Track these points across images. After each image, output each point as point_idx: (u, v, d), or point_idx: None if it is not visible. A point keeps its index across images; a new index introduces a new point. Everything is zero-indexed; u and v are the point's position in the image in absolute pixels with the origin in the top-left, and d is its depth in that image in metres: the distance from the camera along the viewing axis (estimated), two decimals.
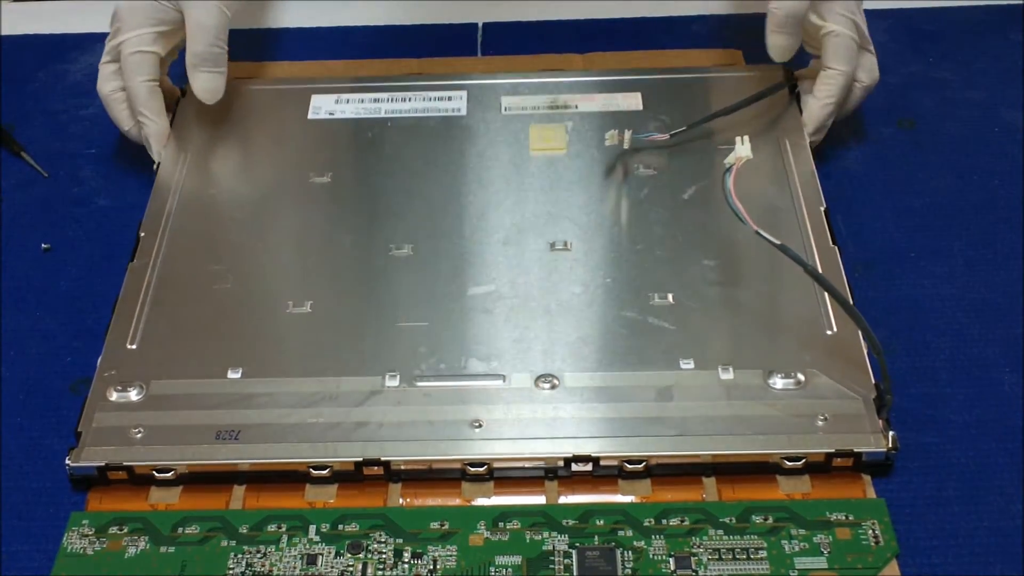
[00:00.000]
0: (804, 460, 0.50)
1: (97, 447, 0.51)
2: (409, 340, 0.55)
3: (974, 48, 0.72)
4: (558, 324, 0.55)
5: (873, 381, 0.52)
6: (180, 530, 0.50)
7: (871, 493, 0.50)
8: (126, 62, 0.64)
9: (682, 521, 0.49)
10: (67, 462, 0.51)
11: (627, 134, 0.63)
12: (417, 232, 0.60)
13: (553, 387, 0.52)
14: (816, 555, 0.48)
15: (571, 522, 0.49)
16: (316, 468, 0.51)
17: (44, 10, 0.80)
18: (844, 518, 0.49)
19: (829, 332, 0.54)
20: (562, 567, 0.48)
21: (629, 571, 0.47)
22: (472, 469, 0.51)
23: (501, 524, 0.49)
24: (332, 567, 0.48)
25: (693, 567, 0.47)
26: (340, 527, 0.49)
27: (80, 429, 0.52)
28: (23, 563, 0.50)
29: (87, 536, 0.49)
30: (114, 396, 0.53)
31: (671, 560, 0.48)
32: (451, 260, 0.59)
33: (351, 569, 0.48)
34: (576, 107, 0.67)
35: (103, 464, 0.51)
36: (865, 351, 0.53)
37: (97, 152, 0.69)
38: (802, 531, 0.49)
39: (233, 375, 0.53)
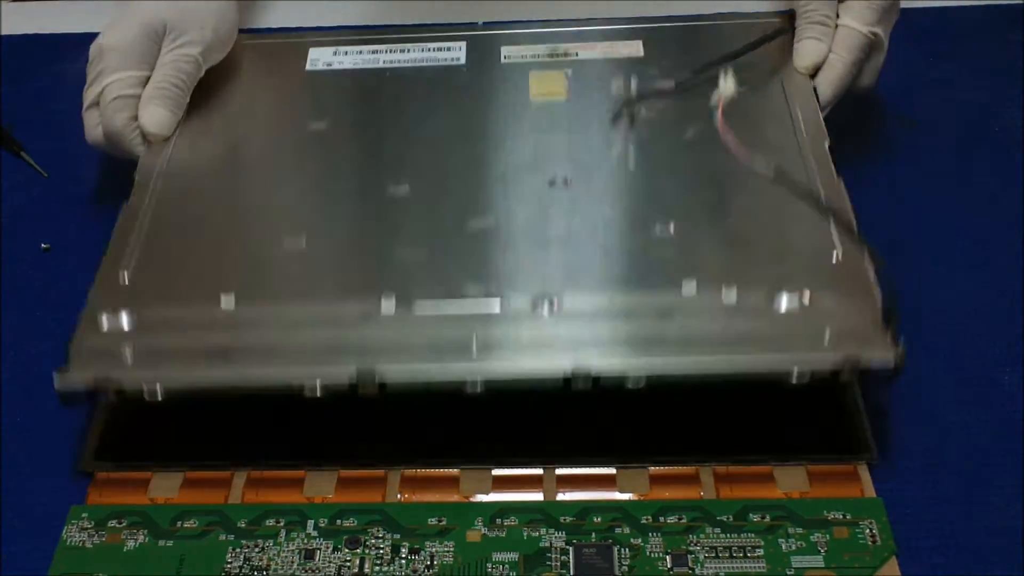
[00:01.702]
0: (811, 373, 0.49)
1: (86, 367, 0.50)
2: (405, 268, 0.54)
3: (974, 48, 0.72)
4: (557, 252, 0.55)
5: (880, 303, 0.51)
6: (179, 524, 0.50)
7: (869, 492, 0.50)
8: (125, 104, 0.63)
9: (679, 519, 0.49)
10: (55, 383, 0.50)
11: (633, 81, 0.63)
12: (414, 171, 0.60)
13: (552, 308, 0.52)
14: (813, 554, 0.48)
15: (568, 519, 0.49)
16: (309, 388, 0.50)
17: (44, 10, 0.80)
18: (842, 517, 0.49)
19: (835, 260, 0.53)
20: (559, 564, 0.48)
21: (626, 568, 0.47)
22: (470, 388, 0.49)
23: (499, 520, 0.49)
24: (330, 562, 0.48)
25: (690, 565, 0.47)
26: (338, 522, 0.49)
27: (70, 351, 0.51)
28: (22, 562, 0.50)
29: (87, 529, 0.50)
30: (105, 323, 0.52)
31: (668, 558, 0.48)
32: (449, 196, 0.58)
33: (349, 564, 0.48)
34: (576, 55, 0.67)
35: (92, 383, 0.50)
36: (872, 276, 0.52)
37: (97, 152, 0.69)
38: (799, 530, 0.48)
39: (226, 301, 0.53)
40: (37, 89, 0.74)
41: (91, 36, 0.76)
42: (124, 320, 0.53)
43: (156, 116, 0.62)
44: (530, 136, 0.62)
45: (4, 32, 0.78)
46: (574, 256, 0.55)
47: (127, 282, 0.55)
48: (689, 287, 0.52)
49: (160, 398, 0.50)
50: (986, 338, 0.57)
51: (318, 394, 0.50)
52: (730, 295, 0.52)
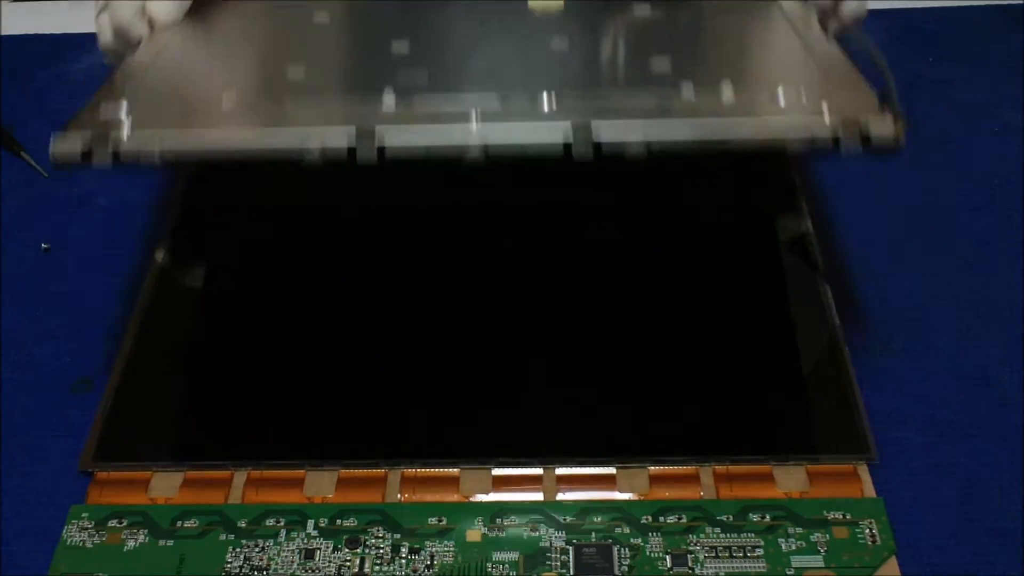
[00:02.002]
0: (812, 139, 0.48)
1: (84, 131, 0.49)
2: (406, 84, 0.54)
3: (974, 48, 0.72)
4: (555, 71, 0.56)
5: (875, 92, 0.50)
6: (179, 523, 0.50)
7: (869, 492, 0.50)
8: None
9: (679, 519, 0.49)
10: (51, 146, 0.48)
11: None
12: (414, 38, 0.60)
13: (551, 102, 0.51)
14: (813, 554, 0.48)
15: (568, 519, 0.49)
16: (307, 154, 0.48)
17: (44, 10, 0.81)
18: (841, 517, 0.49)
19: (830, 76, 0.52)
20: (559, 564, 0.48)
21: (626, 568, 0.47)
22: (470, 154, 0.48)
23: (499, 520, 0.49)
24: (330, 562, 0.48)
25: (690, 565, 0.47)
26: (338, 522, 0.49)
27: (68, 124, 0.50)
28: (22, 562, 0.50)
29: (86, 529, 0.50)
30: (103, 110, 0.51)
31: (668, 557, 0.48)
32: (450, 50, 0.59)
33: (349, 564, 0.48)
34: None
35: (89, 142, 0.48)
36: (865, 81, 0.51)
37: None
38: (799, 529, 0.49)
39: (227, 98, 0.52)
40: (37, 89, 0.74)
41: (91, 36, 0.77)
42: (123, 107, 0.51)
43: (164, 2, 0.61)
44: (529, 24, 0.62)
45: (4, 32, 0.78)
46: (572, 74, 0.55)
47: (125, 99, 0.52)
48: (688, 89, 0.52)
49: (157, 161, 0.49)
50: (986, 338, 0.57)
51: (316, 158, 0.48)
52: (728, 93, 0.51)
